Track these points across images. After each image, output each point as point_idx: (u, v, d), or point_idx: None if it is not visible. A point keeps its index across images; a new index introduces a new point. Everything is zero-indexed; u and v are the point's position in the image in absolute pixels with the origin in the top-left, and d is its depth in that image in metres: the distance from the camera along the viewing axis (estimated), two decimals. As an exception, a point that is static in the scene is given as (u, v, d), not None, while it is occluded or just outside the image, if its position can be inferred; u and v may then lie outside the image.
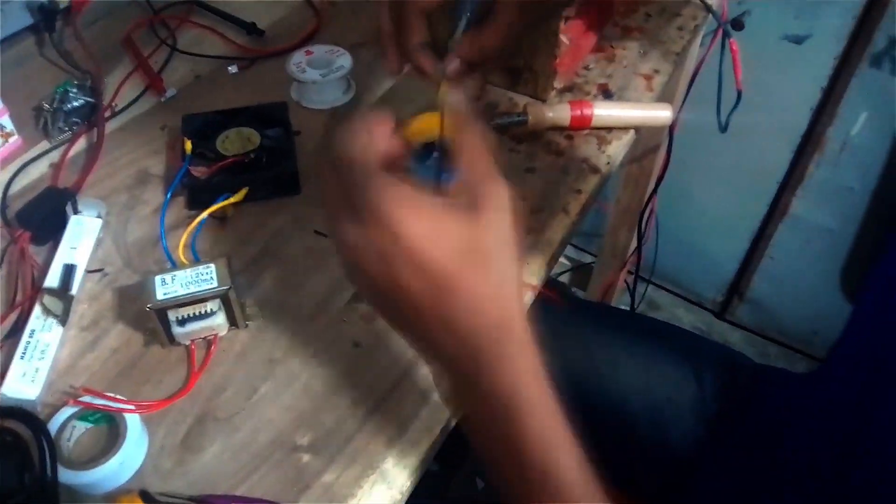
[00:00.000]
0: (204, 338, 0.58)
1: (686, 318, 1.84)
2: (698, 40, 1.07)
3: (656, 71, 0.84)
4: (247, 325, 0.60)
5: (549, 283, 0.68)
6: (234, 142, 0.71)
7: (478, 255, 0.40)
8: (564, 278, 1.86)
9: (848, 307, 1.56)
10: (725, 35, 0.96)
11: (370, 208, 0.39)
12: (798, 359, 1.75)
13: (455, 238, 0.40)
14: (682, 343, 0.91)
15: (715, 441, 0.80)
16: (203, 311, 0.56)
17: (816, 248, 1.55)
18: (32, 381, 0.55)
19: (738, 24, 1.32)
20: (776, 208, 1.55)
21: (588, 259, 1.84)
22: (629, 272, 1.57)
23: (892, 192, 1.39)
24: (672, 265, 1.75)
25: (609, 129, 0.76)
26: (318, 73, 0.77)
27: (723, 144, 1.42)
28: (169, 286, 0.55)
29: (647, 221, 1.37)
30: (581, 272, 1.83)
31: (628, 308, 1.66)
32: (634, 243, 1.41)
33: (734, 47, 0.95)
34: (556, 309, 0.91)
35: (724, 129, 1.12)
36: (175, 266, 0.60)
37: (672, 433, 0.82)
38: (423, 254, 0.39)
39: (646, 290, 1.80)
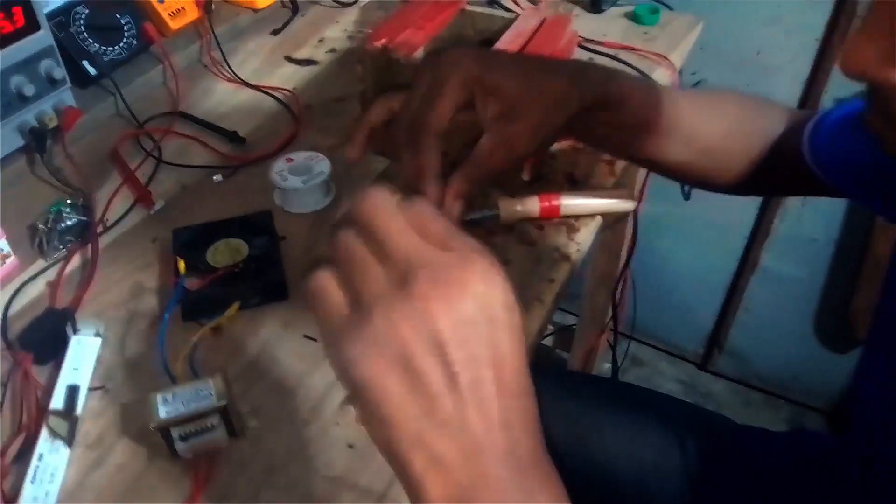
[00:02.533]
0: (206, 450, 0.61)
1: (669, 371, 1.88)
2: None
3: (617, 156, 0.89)
4: (246, 435, 0.62)
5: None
6: (224, 253, 0.75)
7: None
8: (548, 341, 1.90)
9: (823, 351, 1.62)
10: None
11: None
12: (781, 404, 1.79)
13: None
14: (665, 409, 0.94)
15: (701, 504, 0.82)
16: (204, 427, 0.59)
17: (788, 297, 1.60)
18: (43, 504, 0.57)
19: (694, 94, 1.40)
20: (746, 262, 1.60)
21: (571, 320, 1.88)
22: (611, 330, 1.61)
23: (854, 240, 1.45)
24: (652, 321, 1.80)
25: (577, 217, 0.80)
26: (300, 181, 0.81)
27: (691, 204, 1.48)
28: (170, 404, 0.58)
29: (622, 287, 1.41)
30: (564, 334, 1.87)
31: (611, 365, 1.70)
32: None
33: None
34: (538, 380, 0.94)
35: (687, 196, 1.18)
36: (174, 381, 0.63)
37: (659, 499, 0.85)
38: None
39: (628, 346, 1.84)
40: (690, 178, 0.74)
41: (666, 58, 1.03)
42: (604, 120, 0.63)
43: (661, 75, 1.01)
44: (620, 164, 0.88)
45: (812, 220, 1.47)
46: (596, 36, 1.07)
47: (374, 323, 0.35)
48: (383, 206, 0.37)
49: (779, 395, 1.80)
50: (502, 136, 0.55)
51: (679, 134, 0.67)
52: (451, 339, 0.34)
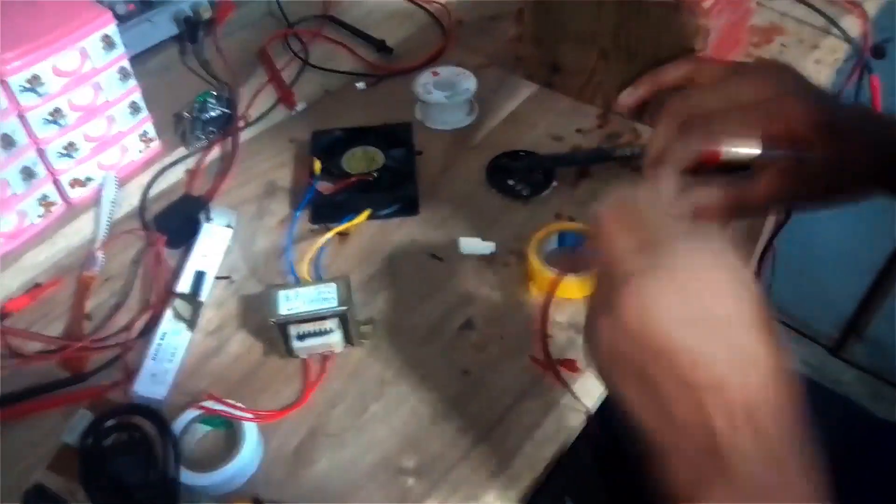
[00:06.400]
0: (320, 353, 0.60)
1: (798, 352, 1.76)
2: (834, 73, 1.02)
3: (789, 107, 0.81)
4: (362, 344, 0.61)
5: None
6: (360, 160, 0.73)
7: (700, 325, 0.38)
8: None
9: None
10: (867, 69, 0.92)
11: None
12: (917, 405, 1.66)
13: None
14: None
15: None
16: (322, 329, 0.58)
17: (948, 291, 1.46)
18: (162, 381, 0.58)
19: (878, 52, 1.26)
20: (904, 246, 1.47)
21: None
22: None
23: None
24: (788, 296, 1.68)
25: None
26: (444, 95, 0.78)
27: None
28: (292, 302, 0.58)
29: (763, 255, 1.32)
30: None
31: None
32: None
33: (875, 84, 0.91)
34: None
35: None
36: (298, 282, 0.62)
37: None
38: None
39: (757, 320, 1.74)
40: None
41: (858, 5, 0.93)
42: None
43: (850, 23, 0.91)
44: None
45: None
46: (781, -25, 0.97)
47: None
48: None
49: (917, 394, 1.66)
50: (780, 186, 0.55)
51: None
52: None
